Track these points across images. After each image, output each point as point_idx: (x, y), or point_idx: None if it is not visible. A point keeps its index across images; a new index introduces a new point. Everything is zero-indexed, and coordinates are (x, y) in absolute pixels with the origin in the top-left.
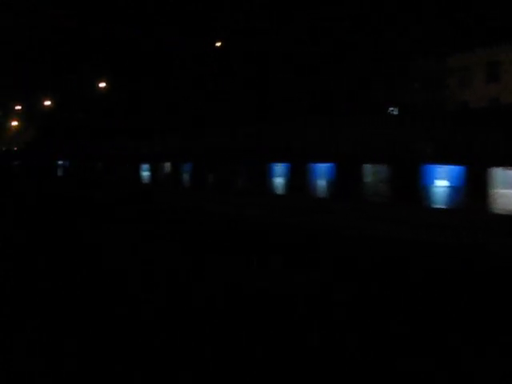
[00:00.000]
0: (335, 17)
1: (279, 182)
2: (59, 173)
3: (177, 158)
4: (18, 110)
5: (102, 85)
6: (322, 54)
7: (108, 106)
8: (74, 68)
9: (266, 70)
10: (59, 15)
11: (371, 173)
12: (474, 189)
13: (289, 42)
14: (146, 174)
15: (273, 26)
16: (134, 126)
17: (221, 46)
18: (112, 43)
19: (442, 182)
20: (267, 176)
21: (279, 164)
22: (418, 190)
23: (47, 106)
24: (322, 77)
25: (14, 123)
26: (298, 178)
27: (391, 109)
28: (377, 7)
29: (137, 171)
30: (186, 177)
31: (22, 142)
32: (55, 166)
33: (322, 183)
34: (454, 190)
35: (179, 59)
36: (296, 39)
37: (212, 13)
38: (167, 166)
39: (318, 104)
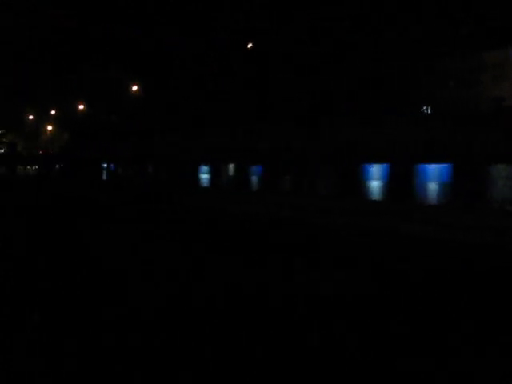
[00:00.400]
0: (335, 17)
1: (375, 185)
2: (104, 176)
3: (242, 160)
4: (53, 114)
5: (135, 88)
6: (322, 54)
7: (145, 108)
8: (74, 68)
9: (266, 70)
10: (59, 15)
11: (500, 174)
12: None
13: (289, 41)
14: (204, 176)
15: (273, 26)
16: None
17: (252, 46)
18: (114, 43)
19: None
20: (359, 178)
21: (375, 165)
22: None
23: (81, 110)
24: (322, 77)
25: (49, 127)
26: (401, 181)
27: (424, 108)
28: (377, 7)
29: (194, 174)
30: (254, 179)
31: (56, 145)
32: (99, 169)
33: (432, 186)
34: None
35: (179, 59)
36: (296, 39)
37: (212, 13)
38: (231, 167)
39: (318, 104)
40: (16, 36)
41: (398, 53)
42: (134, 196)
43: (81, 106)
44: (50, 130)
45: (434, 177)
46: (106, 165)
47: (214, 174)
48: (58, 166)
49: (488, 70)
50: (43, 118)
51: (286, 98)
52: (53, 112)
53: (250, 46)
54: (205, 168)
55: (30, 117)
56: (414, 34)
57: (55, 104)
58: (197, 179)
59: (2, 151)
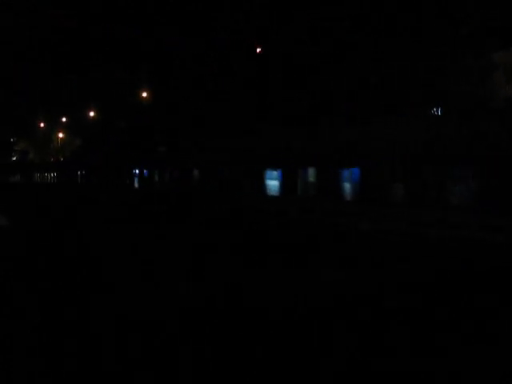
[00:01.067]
0: (335, 17)
1: None
2: (135, 183)
3: (330, 162)
4: (64, 121)
5: (144, 94)
6: (322, 54)
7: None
8: (74, 68)
9: (266, 70)
10: (59, 15)
11: None
12: None
13: (289, 41)
14: (272, 183)
15: (273, 25)
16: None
17: (260, 51)
18: (113, 43)
19: None
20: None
21: None
22: None
23: (92, 116)
24: (322, 77)
25: (60, 135)
26: None
27: (434, 109)
28: (377, 7)
29: (258, 180)
30: (348, 186)
31: (67, 151)
32: (129, 176)
33: None
34: None
35: (179, 59)
36: (296, 39)
37: (212, 13)
38: (310, 172)
39: (318, 104)
40: (16, 36)
41: (397, 53)
42: (187, 211)
43: (91, 113)
44: (62, 138)
45: None
46: (137, 171)
47: (286, 180)
48: (79, 172)
49: (500, 69)
50: (53, 125)
51: (286, 98)
52: (64, 119)
53: (259, 50)
54: (272, 173)
55: (41, 124)
56: (414, 33)
57: (64, 110)
58: (263, 187)
59: (14, 159)
